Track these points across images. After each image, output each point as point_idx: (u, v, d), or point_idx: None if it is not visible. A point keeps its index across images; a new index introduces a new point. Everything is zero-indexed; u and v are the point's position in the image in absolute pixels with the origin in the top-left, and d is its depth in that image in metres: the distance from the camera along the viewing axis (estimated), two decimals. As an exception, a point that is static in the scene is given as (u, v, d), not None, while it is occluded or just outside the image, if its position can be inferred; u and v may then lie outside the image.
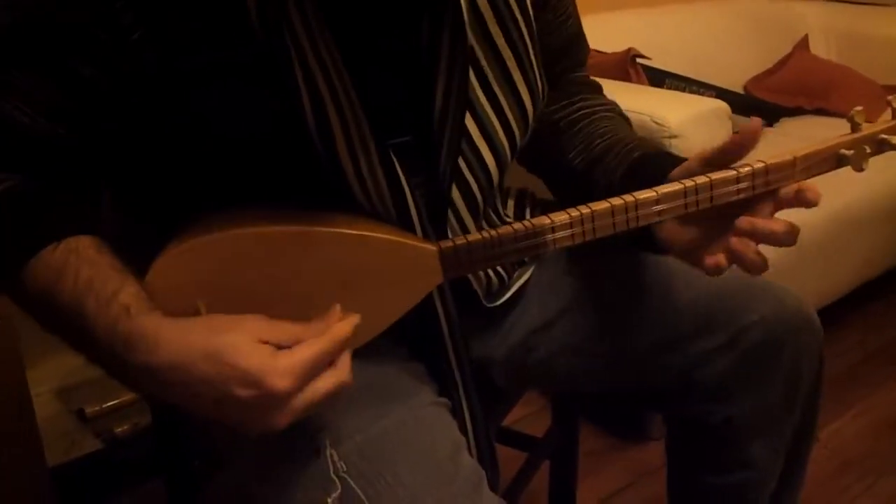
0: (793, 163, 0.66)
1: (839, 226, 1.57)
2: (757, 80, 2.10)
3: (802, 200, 0.63)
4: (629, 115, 1.21)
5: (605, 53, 1.69)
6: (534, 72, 0.70)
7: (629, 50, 1.66)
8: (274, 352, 0.52)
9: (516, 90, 0.69)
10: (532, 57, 0.70)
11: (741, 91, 2.06)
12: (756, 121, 0.62)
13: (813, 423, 0.84)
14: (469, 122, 0.67)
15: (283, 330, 0.54)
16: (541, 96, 0.72)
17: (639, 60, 1.67)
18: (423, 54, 0.64)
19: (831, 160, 0.67)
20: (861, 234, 1.66)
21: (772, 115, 2.05)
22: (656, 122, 1.19)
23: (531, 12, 0.70)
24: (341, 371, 0.55)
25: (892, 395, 1.60)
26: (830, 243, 1.57)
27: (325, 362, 0.54)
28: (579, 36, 0.82)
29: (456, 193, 0.68)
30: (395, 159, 0.62)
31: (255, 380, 0.51)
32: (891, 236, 1.74)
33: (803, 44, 2.20)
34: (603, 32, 1.75)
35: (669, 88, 1.77)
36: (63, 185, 0.61)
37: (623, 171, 0.73)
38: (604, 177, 0.75)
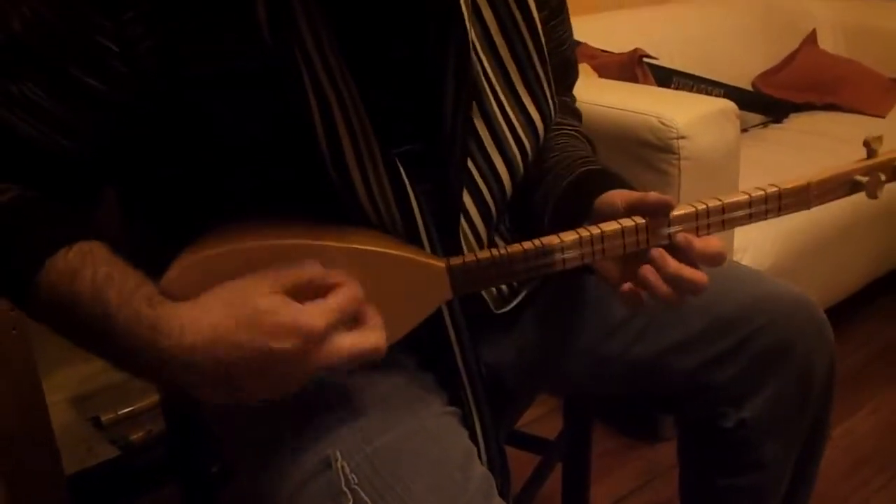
0: (807, 188, 0.65)
1: (848, 223, 1.56)
2: (765, 76, 2.09)
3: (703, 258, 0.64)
4: (636, 116, 1.23)
5: (611, 53, 1.69)
6: (540, 85, 0.71)
7: (636, 50, 1.65)
8: (299, 303, 0.55)
9: (521, 102, 0.70)
10: (539, 70, 0.70)
11: (750, 88, 2.05)
12: (671, 200, 0.63)
13: (826, 423, 0.84)
14: (482, 130, 0.67)
15: (292, 274, 0.56)
16: (549, 109, 0.72)
17: (645, 60, 1.67)
18: (430, 63, 0.64)
19: (846, 186, 0.67)
20: (871, 231, 1.65)
21: (781, 111, 2.04)
22: (664, 124, 1.18)
23: (539, 28, 0.70)
24: (372, 331, 0.57)
25: (905, 392, 1.60)
26: (840, 240, 1.56)
27: (352, 309, 0.56)
28: (571, 61, 0.83)
29: (469, 202, 0.69)
30: (401, 168, 0.63)
31: (292, 327, 0.53)
32: (902, 232, 1.73)
33: (811, 39, 2.19)
34: (609, 31, 1.76)
35: (677, 87, 1.77)
36: (62, 195, 0.62)
37: (566, 183, 0.74)
38: (548, 186, 0.76)
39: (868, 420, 1.51)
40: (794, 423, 0.82)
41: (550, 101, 0.72)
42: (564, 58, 0.80)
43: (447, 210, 0.67)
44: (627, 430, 1.48)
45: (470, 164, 0.68)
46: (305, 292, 0.56)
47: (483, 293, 0.76)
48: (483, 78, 0.67)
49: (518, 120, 0.69)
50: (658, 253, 0.63)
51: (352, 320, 0.57)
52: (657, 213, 0.64)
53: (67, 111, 0.58)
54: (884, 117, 1.98)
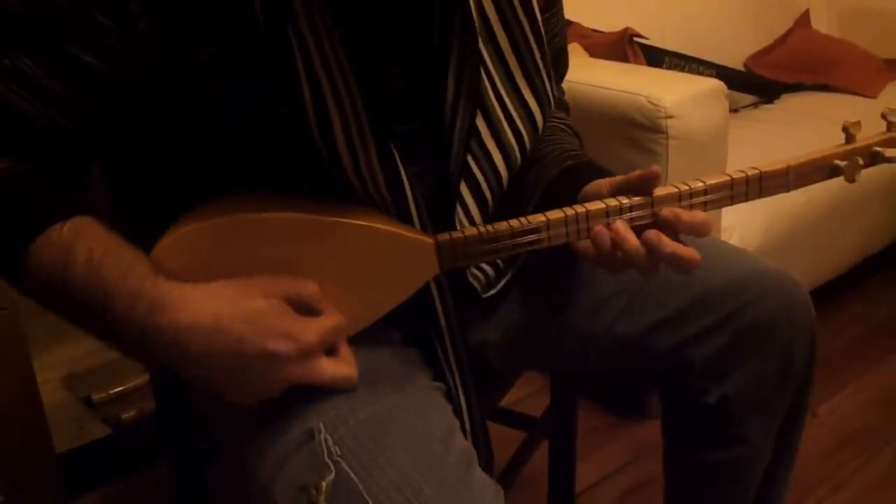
0: (786, 171, 0.67)
1: (836, 204, 1.57)
2: (758, 56, 2.08)
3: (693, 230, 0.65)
4: (625, 95, 1.23)
5: (602, 33, 1.68)
6: (540, 77, 0.71)
7: (626, 30, 1.65)
8: (298, 314, 0.58)
9: (521, 94, 0.70)
10: (538, 61, 0.71)
11: (742, 68, 2.05)
12: (656, 168, 0.64)
13: (806, 401, 0.85)
14: (480, 122, 0.68)
15: (292, 287, 0.59)
16: (548, 101, 0.72)
17: (636, 40, 1.66)
18: (434, 50, 0.65)
19: (825, 170, 0.68)
20: (859, 212, 1.66)
21: (773, 91, 2.04)
22: (652, 103, 1.18)
23: (539, 18, 0.71)
24: (348, 364, 0.61)
25: (889, 371, 1.61)
26: (827, 220, 1.57)
27: (337, 337, 0.60)
28: (563, 52, 0.83)
29: (466, 192, 0.69)
30: (395, 151, 0.63)
31: (290, 333, 0.57)
32: (890, 212, 1.74)
33: (804, 19, 2.18)
34: (600, 10, 1.75)
35: (669, 67, 1.76)
36: (55, 171, 0.62)
37: (554, 174, 0.75)
38: (537, 176, 0.76)
39: (853, 399, 1.53)
40: (775, 400, 0.83)
41: (550, 94, 0.72)
42: (557, 49, 0.80)
43: (443, 198, 0.68)
44: (614, 407, 1.50)
45: (468, 156, 0.68)
46: (296, 308, 0.58)
47: (471, 279, 0.77)
48: (482, 69, 0.67)
49: (517, 112, 0.70)
50: (655, 235, 0.64)
51: (329, 348, 0.60)
52: (643, 187, 0.65)
53: (62, 86, 0.58)
54: (875, 98, 1.98)
